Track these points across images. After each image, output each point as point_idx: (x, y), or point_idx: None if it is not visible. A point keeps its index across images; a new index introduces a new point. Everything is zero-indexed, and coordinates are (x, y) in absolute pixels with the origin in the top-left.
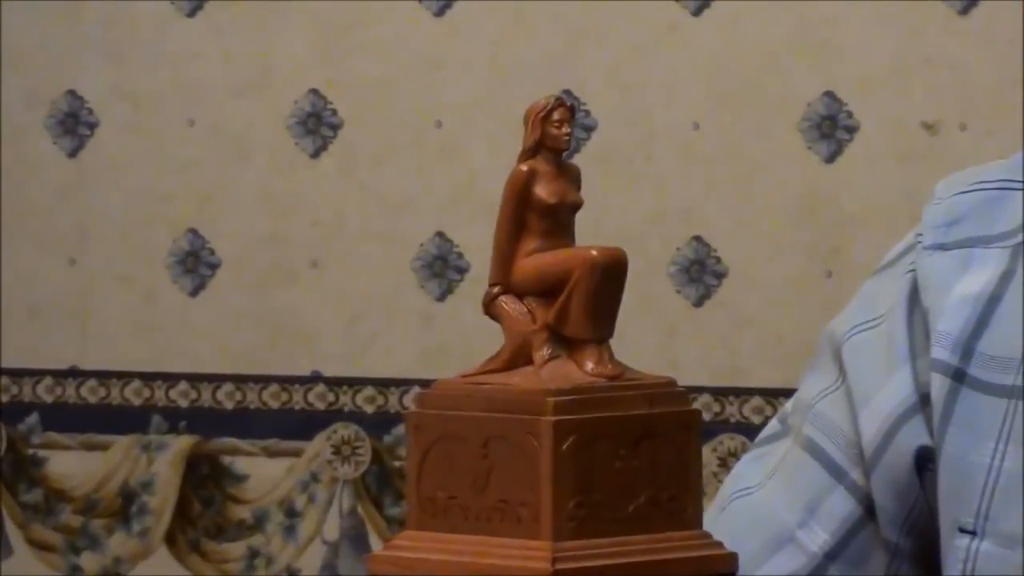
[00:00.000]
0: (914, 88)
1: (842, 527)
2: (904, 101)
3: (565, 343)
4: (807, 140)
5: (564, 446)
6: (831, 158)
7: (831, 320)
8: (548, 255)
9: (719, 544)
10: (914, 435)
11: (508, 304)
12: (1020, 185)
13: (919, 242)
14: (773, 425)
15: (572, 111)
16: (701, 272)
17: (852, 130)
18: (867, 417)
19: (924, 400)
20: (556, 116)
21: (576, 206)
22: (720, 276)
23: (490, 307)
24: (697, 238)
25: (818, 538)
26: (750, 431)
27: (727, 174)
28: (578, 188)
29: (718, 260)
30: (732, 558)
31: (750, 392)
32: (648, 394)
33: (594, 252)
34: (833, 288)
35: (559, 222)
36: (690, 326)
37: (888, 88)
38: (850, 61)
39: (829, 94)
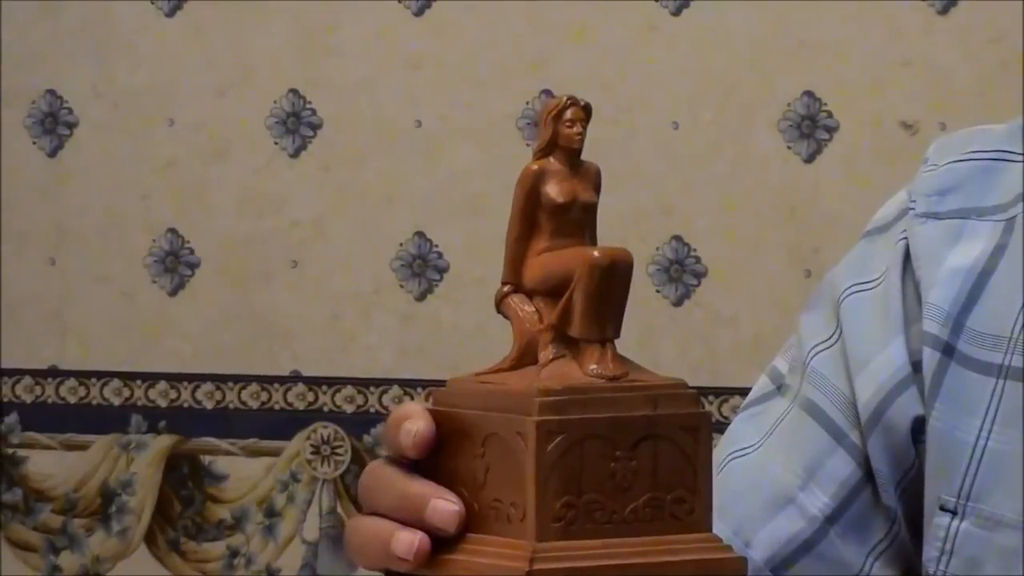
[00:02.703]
0: (893, 88)
1: (842, 490)
2: (883, 101)
3: (570, 343)
4: (786, 140)
5: (550, 446)
6: (810, 158)
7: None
8: (554, 255)
9: (727, 548)
10: (909, 405)
11: (517, 304)
12: (1016, 157)
13: (911, 208)
14: (764, 383)
15: (587, 110)
16: (680, 272)
17: (831, 130)
18: (863, 382)
19: (917, 368)
20: (568, 115)
21: (589, 206)
22: (699, 276)
23: (500, 306)
24: (677, 238)
25: (818, 501)
26: None
27: (707, 174)
28: (595, 188)
29: (697, 260)
30: (740, 562)
31: (729, 392)
32: (651, 395)
33: (595, 252)
34: (812, 287)
35: (570, 222)
36: (669, 325)
37: (867, 88)
38: (829, 61)
39: (808, 94)
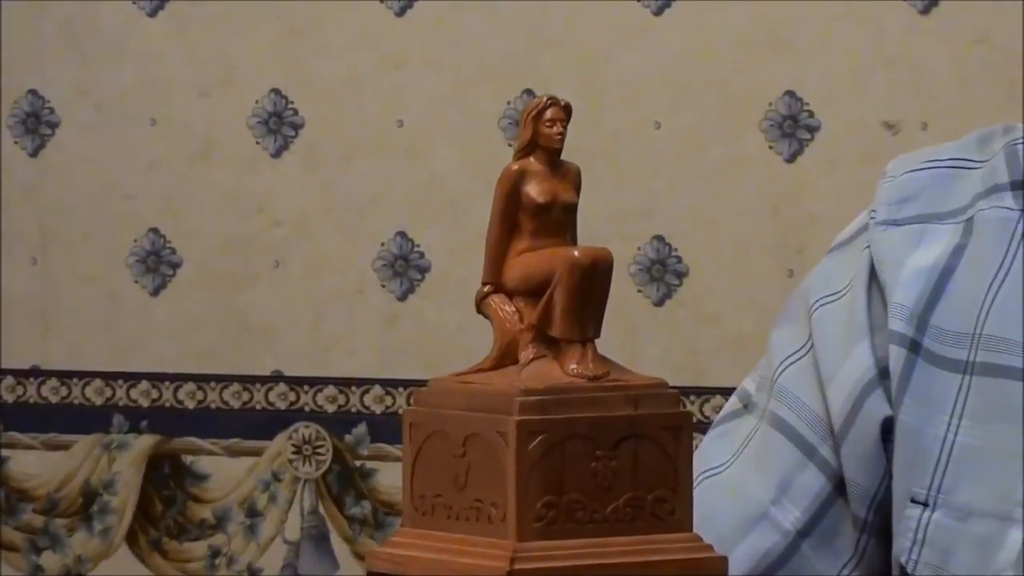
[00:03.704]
0: (875, 87)
1: (813, 504)
2: (865, 100)
3: (550, 343)
4: (769, 139)
5: (530, 446)
6: (792, 158)
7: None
8: (534, 255)
9: (708, 547)
10: (878, 406)
11: (497, 304)
12: (971, 164)
13: (873, 218)
14: (733, 402)
15: (567, 110)
16: (663, 271)
17: (813, 129)
18: (834, 391)
19: (884, 373)
20: (548, 115)
21: (570, 206)
22: (681, 275)
23: (481, 306)
24: (658, 237)
25: (790, 515)
26: None
27: (689, 173)
28: (575, 188)
29: (679, 259)
30: (721, 562)
31: (711, 392)
32: (632, 395)
33: (575, 252)
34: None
35: (551, 222)
36: (651, 325)
37: (849, 87)
38: (811, 61)
39: (790, 93)
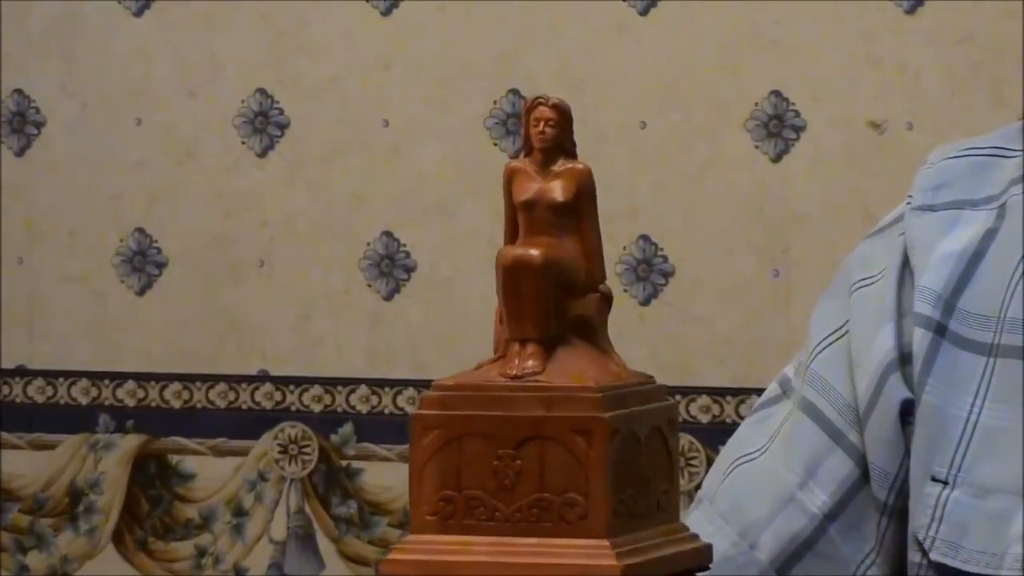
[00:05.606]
0: (861, 87)
1: (840, 488)
2: (851, 100)
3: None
4: (755, 139)
5: (425, 440)
6: (778, 157)
7: (849, 253)
8: None
9: (608, 555)
10: (897, 389)
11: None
12: (1009, 153)
13: (909, 204)
14: (773, 388)
15: (558, 109)
16: (648, 271)
17: (799, 129)
18: (859, 374)
19: (905, 358)
20: (534, 115)
21: (557, 205)
22: (667, 275)
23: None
24: (644, 237)
25: (817, 499)
26: (697, 430)
27: (675, 173)
28: (575, 188)
29: (665, 259)
30: (615, 570)
31: (697, 391)
32: (546, 397)
33: (503, 252)
34: (781, 287)
35: (538, 220)
36: (637, 325)
37: (835, 87)
38: (797, 60)
39: (776, 93)
